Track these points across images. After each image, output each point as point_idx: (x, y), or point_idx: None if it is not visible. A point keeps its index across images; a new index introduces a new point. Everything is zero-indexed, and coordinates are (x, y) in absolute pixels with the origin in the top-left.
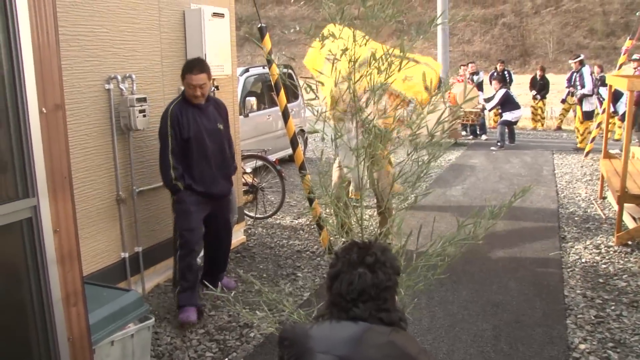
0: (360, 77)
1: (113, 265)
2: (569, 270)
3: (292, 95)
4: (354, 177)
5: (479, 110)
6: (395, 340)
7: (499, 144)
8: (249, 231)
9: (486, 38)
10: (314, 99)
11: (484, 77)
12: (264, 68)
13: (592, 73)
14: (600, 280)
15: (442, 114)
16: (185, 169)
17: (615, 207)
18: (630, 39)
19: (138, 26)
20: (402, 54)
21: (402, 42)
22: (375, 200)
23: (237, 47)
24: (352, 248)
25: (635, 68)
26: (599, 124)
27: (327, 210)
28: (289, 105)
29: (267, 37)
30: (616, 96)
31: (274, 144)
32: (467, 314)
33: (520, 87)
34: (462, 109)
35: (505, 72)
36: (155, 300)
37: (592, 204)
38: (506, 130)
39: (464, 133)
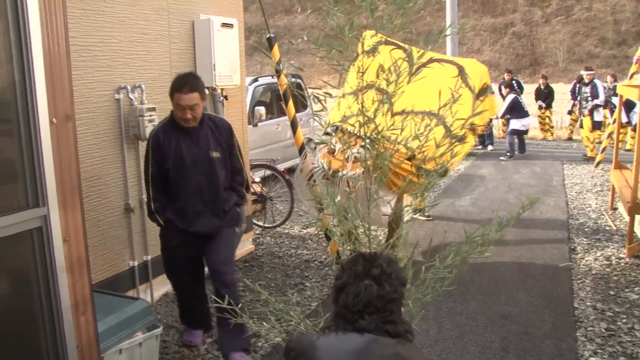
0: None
1: (122, 273)
2: (579, 281)
3: (301, 104)
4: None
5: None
6: (401, 352)
7: (508, 154)
8: (258, 240)
9: (496, 47)
10: (322, 110)
11: (494, 87)
12: (273, 77)
13: (604, 82)
14: (611, 293)
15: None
16: (168, 200)
17: (627, 218)
18: None
19: (148, 37)
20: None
21: (412, 52)
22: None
23: (246, 57)
24: (357, 260)
25: None
26: (610, 134)
27: (335, 221)
28: (297, 114)
29: (275, 47)
30: (629, 106)
31: (282, 153)
32: (475, 325)
33: (530, 97)
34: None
35: (514, 82)
36: (164, 309)
37: (603, 215)
38: (516, 140)
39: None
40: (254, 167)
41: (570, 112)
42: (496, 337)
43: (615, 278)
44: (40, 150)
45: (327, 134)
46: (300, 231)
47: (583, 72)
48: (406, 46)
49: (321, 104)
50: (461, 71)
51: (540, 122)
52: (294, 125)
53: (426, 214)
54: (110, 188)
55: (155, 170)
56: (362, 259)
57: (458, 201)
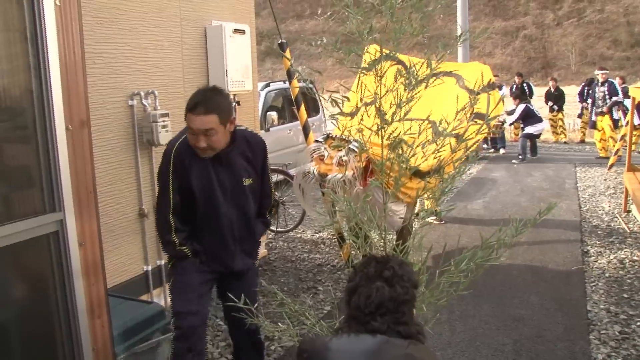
0: (387, 92)
1: (136, 278)
2: (592, 284)
3: (314, 109)
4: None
5: (499, 123)
6: (413, 353)
7: (520, 157)
8: (270, 245)
9: (507, 50)
10: (338, 114)
11: (506, 90)
12: (284, 83)
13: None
14: (625, 296)
15: (466, 131)
16: (192, 230)
17: None
18: None
19: (160, 43)
20: (429, 70)
21: (429, 58)
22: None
23: (258, 62)
24: (370, 262)
25: None
26: (623, 137)
27: (348, 224)
28: (309, 119)
29: (287, 52)
30: None
31: (294, 158)
32: (488, 328)
33: (541, 100)
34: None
35: (525, 85)
36: None
37: (616, 217)
38: (528, 143)
39: (485, 146)
40: None
41: (580, 116)
42: (509, 340)
43: (629, 281)
44: (57, 156)
45: (317, 141)
46: (313, 235)
47: (597, 72)
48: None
49: (338, 107)
50: (458, 80)
51: (551, 125)
52: (305, 130)
53: (437, 217)
54: (124, 193)
55: (178, 196)
56: (374, 261)
57: (470, 204)
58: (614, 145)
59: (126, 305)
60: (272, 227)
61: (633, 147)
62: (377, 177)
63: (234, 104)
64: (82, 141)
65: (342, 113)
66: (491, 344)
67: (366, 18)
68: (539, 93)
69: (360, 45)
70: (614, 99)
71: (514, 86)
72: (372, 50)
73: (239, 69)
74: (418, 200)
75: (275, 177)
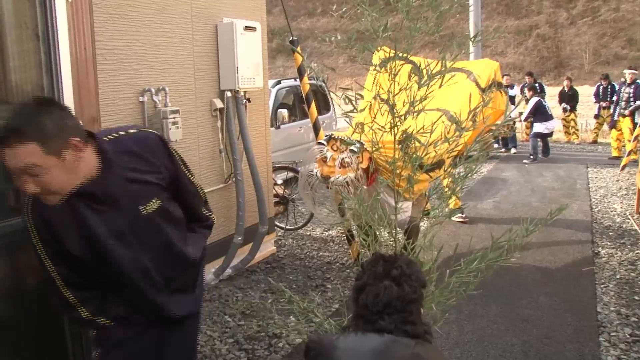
0: (400, 90)
1: None
2: (602, 286)
3: (324, 107)
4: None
5: (510, 123)
6: (420, 353)
7: (531, 157)
8: (279, 242)
9: (520, 50)
10: (351, 111)
11: (517, 90)
12: (295, 80)
13: (626, 83)
14: (636, 298)
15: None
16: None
17: None
18: None
19: (172, 40)
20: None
21: (444, 57)
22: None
23: (269, 60)
24: (377, 261)
25: None
26: (636, 137)
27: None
28: (320, 117)
29: (298, 50)
30: None
31: (305, 155)
32: (496, 329)
33: (554, 100)
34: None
35: (537, 85)
36: None
37: (628, 219)
38: (539, 143)
39: (496, 145)
40: (276, 169)
41: (597, 116)
42: (517, 341)
43: None
44: None
45: (320, 143)
46: (322, 233)
47: (626, 71)
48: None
49: (352, 104)
50: (469, 75)
51: (564, 125)
52: (316, 128)
53: (463, 215)
54: None
55: (62, 264)
56: (382, 260)
57: (480, 204)
58: (615, 148)
59: None
60: (282, 225)
61: None
62: (385, 176)
63: (244, 101)
64: None
65: (355, 110)
66: (499, 344)
67: (381, 15)
68: (551, 93)
69: (375, 43)
70: (638, 103)
71: (525, 86)
72: (382, 53)
73: (250, 66)
74: (428, 198)
75: (285, 175)
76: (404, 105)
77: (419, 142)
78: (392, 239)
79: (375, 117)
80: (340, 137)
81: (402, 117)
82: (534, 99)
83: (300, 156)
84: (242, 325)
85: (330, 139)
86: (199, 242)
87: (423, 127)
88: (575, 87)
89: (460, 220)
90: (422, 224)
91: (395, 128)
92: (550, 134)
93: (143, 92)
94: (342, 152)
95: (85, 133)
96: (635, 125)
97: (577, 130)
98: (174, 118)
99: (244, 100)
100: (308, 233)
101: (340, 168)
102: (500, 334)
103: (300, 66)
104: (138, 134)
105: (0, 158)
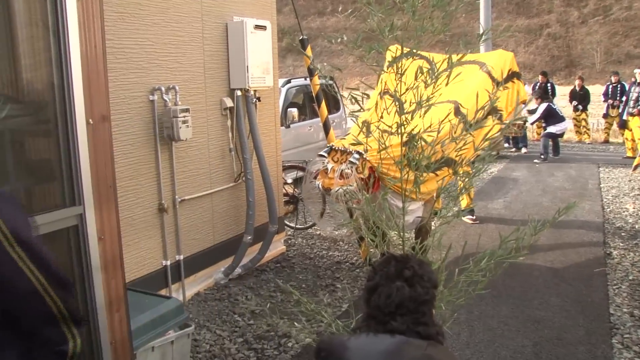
0: (407, 90)
1: (155, 272)
2: (614, 287)
3: (334, 106)
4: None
5: (521, 122)
6: (432, 354)
7: (542, 156)
8: (289, 241)
9: (530, 49)
10: (358, 111)
11: (529, 89)
12: (305, 79)
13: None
14: None
15: (490, 130)
16: None
17: None
18: None
19: (182, 39)
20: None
21: (451, 56)
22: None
23: (279, 58)
24: (389, 261)
25: None
26: None
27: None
28: (330, 116)
29: (308, 49)
30: None
31: (315, 154)
32: (507, 329)
33: (565, 99)
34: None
35: (548, 85)
36: (195, 308)
37: None
38: (550, 142)
39: (506, 145)
40: (286, 168)
41: (605, 116)
42: (528, 342)
43: None
44: (77, 150)
45: (320, 155)
46: (332, 232)
47: (637, 70)
48: (429, 55)
49: (358, 104)
50: (482, 67)
51: (575, 125)
52: (326, 127)
53: (473, 216)
54: (144, 188)
55: None
56: (394, 260)
57: (491, 204)
58: (629, 148)
59: (145, 299)
60: (291, 224)
61: None
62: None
63: (254, 100)
64: (103, 135)
65: (362, 109)
66: (510, 345)
67: (387, 15)
68: (562, 92)
69: (382, 43)
70: None
71: (537, 85)
72: (394, 49)
73: (260, 65)
74: (437, 198)
75: (295, 174)
76: (410, 105)
77: (425, 141)
78: (401, 239)
79: (381, 116)
80: (340, 148)
81: (410, 117)
82: (543, 105)
83: (311, 155)
84: (251, 325)
85: (331, 150)
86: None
87: (430, 125)
88: (587, 87)
89: (470, 221)
90: (432, 223)
91: (402, 128)
92: (562, 134)
93: (153, 91)
94: (342, 163)
95: None
96: None
97: (589, 129)
98: (184, 117)
99: (254, 99)
100: (318, 232)
101: (340, 179)
102: (512, 335)
103: (310, 65)
104: None
105: None
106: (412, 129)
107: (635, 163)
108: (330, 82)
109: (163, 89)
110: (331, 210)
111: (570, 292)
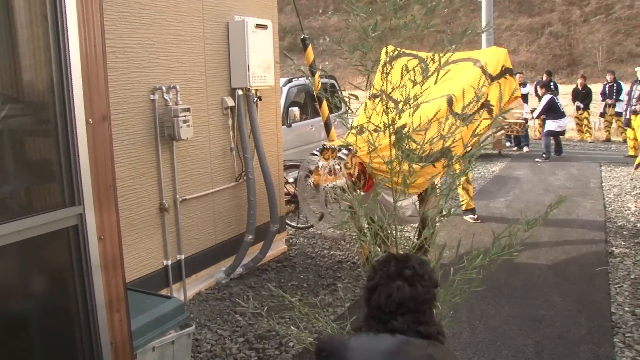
0: (393, 89)
1: (155, 272)
2: (616, 286)
3: (335, 105)
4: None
5: (523, 121)
6: (432, 354)
7: (544, 155)
8: (291, 241)
9: (532, 48)
10: (345, 112)
11: (530, 88)
12: (307, 79)
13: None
14: None
15: (478, 125)
16: None
17: None
18: None
19: (183, 38)
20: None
21: (439, 55)
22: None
23: (280, 58)
24: (389, 261)
25: None
26: None
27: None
28: (331, 115)
29: (309, 49)
30: None
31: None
32: (509, 329)
33: (567, 98)
34: (505, 120)
35: (551, 84)
36: (196, 308)
37: None
38: (552, 141)
39: (508, 144)
40: (287, 167)
41: (602, 115)
42: (530, 341)
43: None
44: (77, 150)
45: (313, 154)
46: (333, 232)
47: (638, 69)
48: (422, 55)
49: (346, 105)
50: (475, 63)
51: (577, 124)
52: (327, 126)
53: (475, 215)
54: (144, 187)
55: None
56: (394, 259)
57: (493, 203)
58: (632, 147)
59: (145, 299)
60: (293, 224)
61: None
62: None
63: (256, 99)
64: (103, 135)
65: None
66: (512, 344)
67: (370, 15)
68: (564, 91)
69: (366, 43)
70: None
71: (538, 83)
72: (390, 49)
73: (261, 64)
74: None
75: (296, 173)
76: (399, 103)
77: (415, 141)
78: (394, 237)
79: (370, 117)
80: (332, 146)
81: (397, 116)
82: (547, 97)
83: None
84: (252, 325)
85: (323, 149)
86: None
87: (420, 124)
88: (589, 86)
89: (472, 220)
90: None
91: (391, 127)
92: (563, 132)
93: (154, 90)
94: (330, 159)
95: None
96: None
97: (590, 128)
98: (185, 116)
99: (255, 99)
100: (319, 232)
101: (329, 176)
102: (513, 334)
103: (312, 64)
104: None
105: None
106: (401, 126)
107: (637, 162)
108: (332, 81)
109: (164, 88)
110: (331, 210)
111: (572, 291)
